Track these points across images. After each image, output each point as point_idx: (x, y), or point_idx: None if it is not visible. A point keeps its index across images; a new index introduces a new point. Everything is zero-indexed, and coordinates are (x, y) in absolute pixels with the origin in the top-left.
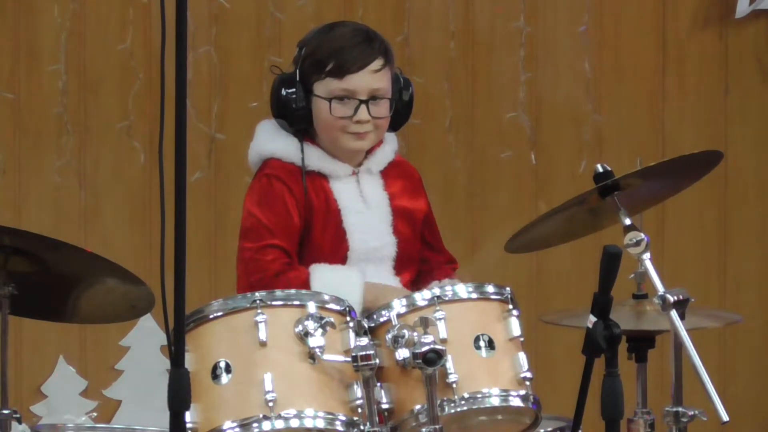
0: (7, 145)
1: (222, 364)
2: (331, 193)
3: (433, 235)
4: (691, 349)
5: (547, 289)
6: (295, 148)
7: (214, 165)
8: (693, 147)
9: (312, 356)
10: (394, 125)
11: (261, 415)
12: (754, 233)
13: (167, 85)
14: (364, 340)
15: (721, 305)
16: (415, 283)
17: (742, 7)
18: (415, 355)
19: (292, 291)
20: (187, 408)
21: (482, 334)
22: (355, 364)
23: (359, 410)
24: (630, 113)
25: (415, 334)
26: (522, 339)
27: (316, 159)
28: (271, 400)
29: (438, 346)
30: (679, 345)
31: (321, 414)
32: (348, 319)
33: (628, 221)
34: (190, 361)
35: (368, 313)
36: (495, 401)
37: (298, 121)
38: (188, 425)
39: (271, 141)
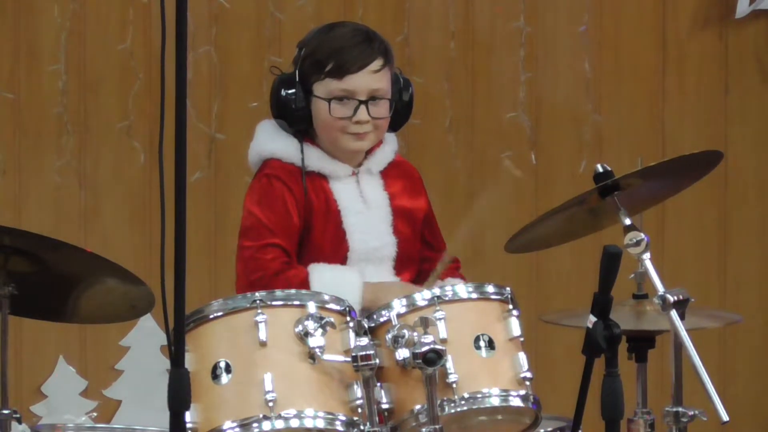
0: (7, 145)
1: (222, 364)
2: (330, 194)
3: (434, 234)
4: (691, 349)
5: (547, 289)
6: (294, 148)
7: (214, 165)
8: (693, 147)
9: (312, 356)
10: (394, 126)
11: (261, 415)
12: (754, 233)
13: (167, 85)
14: (364, 340)
15: (721, 305)
16: (416, 283)
17: (742, 7)
18: (415, 355)
19: (292, 291)
20: (187, 408)
21: (482, 334)
22: (355, 364)
23: (359, 410)
24: (630, 113)
25: (415, 334)
26: (522, 339)
27: (315, 159)
28: (271, 400)
29: (438, 346)
30: (679, 345)
31: (321, 414)
32: (348, 319)
33: (628, 221)
34: (190, 361)
35: (368, 313)
36: (495, 401)
37: (298, 122)
38: (188, 425)
39: (271, 141)
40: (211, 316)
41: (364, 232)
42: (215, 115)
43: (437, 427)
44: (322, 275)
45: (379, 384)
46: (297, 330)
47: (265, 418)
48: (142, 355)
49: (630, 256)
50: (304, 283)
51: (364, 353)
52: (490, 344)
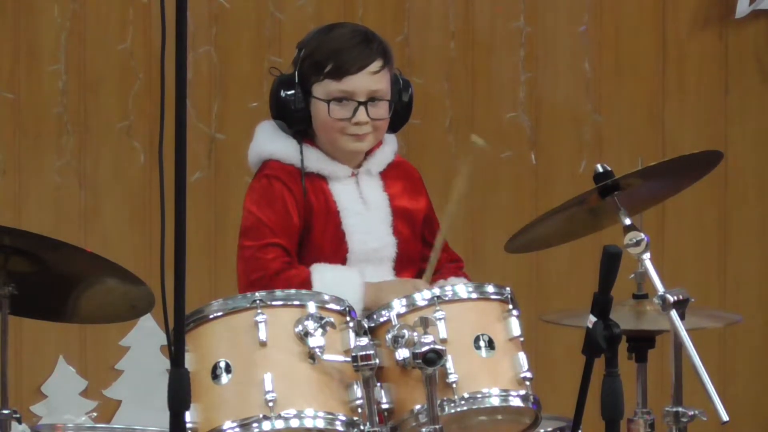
0: (7, 145)
1: (222, 364)
2: (330, 195)
3: (434, 234)
4: (691, 349)
5: (547, 289)
6: (294, 149)
7: (214, 165)
8: (693, 147)
9: (312, 356)
10: (394, 126)
11: (261, 415)
12: (754, 233)
13: (167, 85)
14: (364, 340)
15: (721, 305)
16: None
17: (742, 7)
18: (415, 355)
19: (292, 291)
20: (187, 408)
21: (482, 334)
22: (355, 364)
23: (359, 410)
24: (630, 113)
25: (415, 334)
26: (522, 339)
27: (315, 160)
28: (271, 400)
29: (438, 346)
30: (679, 345)
31: (321, 414)
32: (348, 319)
33: (628, 221)
34: (190, 361)
35: (368, 313)
36: (495, 401)
37: (297, 123)
38: (188, 425)
39: (271, 142)
40: (211, 316)
41: (363, 233)
42: (215, 115)
43: (437, 427)
44: (324, 275)
45: (379, 384)
46: (297, 330)
47: (265, 418)
48: (142, 355)
49: (630, 256)
50: (305, 284)
51: (364, 353)
52: (490, 344)
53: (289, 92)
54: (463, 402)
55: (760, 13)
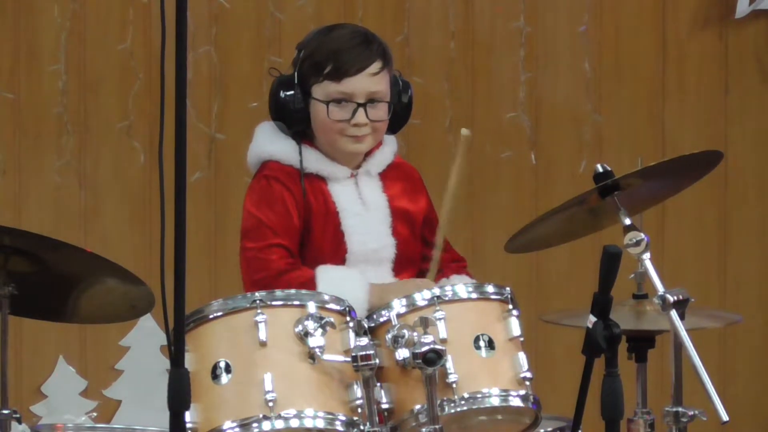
0: (7, 145)
1: (222, 364)
2: (329, 196)
3: (434, 234)
4: (691, 349)
5: (547, 289)
6: (293, 150)
7: (214, 165)
8: (693, 147)
9: (312, 356)
10: (393, 127)
11: (261, 415)
12: (754, 233)
13: (167, 85)
14: (364, 340)
15: (721, 305)
16: None
17: (742, 7)
18: (415, 355)
19: (292, 291)
20: (187, 408)
21: (482, 334)
22: (355, 364)
23: (359, 410)
24: (630, 113)
25: (415, 334)
26: (522, 339)
27: (314, 161)
28: (271, 400)
29: (438, 346)
30: (679, 345)
31: (321, 414)
32: (348, 319)
33: (628, 221)
34: (190, 361)
35: (369, 313)
36: (495, 401)
37: (297, 124)
38: (188, 425)
39: (270, 143)
40: (211, 316)
41: (362, 234)
42: (215, 115)
43: (437, 427)
44: (329, 277)
45: (379, 384)
46: (297, 330)
47: (265, 418)
48: (142, 355)
49: (630, 256)
50: (309, 284)
51: (364, 353)
52: (490, 344)
53: (288, 93)
54: (463, 402)
55: (760, 13)
